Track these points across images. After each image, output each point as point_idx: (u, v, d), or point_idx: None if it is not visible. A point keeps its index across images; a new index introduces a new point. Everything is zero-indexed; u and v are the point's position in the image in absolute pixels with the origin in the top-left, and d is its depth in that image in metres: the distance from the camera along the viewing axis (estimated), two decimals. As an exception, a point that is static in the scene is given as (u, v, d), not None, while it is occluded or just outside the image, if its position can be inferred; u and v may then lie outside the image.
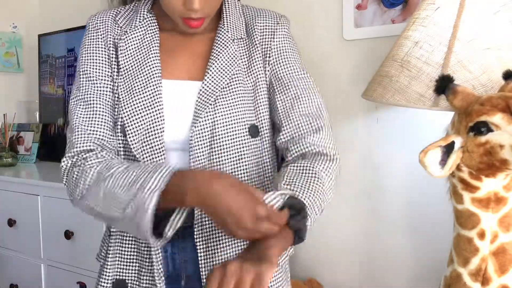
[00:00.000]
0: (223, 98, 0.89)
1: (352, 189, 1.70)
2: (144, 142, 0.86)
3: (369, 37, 1.63)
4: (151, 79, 0.88)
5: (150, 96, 0.87)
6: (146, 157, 0.86)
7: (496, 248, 1.05)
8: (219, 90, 0.89)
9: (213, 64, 0.90)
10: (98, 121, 0.88)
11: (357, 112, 1.68)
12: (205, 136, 0.87)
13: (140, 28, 0.92)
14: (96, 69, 0.90)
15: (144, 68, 0.89)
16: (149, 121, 0.87)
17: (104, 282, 0.89)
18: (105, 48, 0.91)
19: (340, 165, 0.95)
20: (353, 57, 1.67)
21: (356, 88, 1.63)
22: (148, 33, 0.92)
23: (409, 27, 1.24)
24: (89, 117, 0.88)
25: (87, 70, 0.91)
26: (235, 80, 0.91)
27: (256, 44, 0.93)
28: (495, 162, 0.99)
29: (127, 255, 0.89)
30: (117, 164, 0.82)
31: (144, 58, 0.90)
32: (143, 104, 0.87)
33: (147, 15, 0.93)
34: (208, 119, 0.87)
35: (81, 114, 0.89)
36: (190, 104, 0.89)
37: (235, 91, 0.90)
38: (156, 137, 0.86)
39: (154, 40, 0.91)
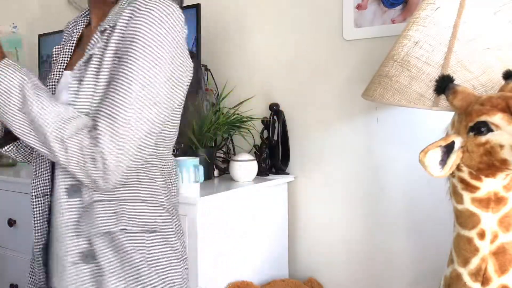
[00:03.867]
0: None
1: (352, 189, 1.70)
2: None
3: (369, 37, 1.63)
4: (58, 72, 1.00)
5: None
6: None
7: (496, 248, 1.05)
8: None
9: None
10: None
11: (357, 112, 1.68)
12: None
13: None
14: None
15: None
16: None
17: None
18: None
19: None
20: (353, 57, 1.67)
21: (356, 88, 1.63)
22: (75, 32, 1.04)
23: (409, 27, 1.24)
24: None
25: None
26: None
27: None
28: (495, 162, 0.99)
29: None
30: None
31: (63, 53, 1.01)
32: None
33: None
34: None
35: None
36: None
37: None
38: None
39: (74, 37, 1.02)
